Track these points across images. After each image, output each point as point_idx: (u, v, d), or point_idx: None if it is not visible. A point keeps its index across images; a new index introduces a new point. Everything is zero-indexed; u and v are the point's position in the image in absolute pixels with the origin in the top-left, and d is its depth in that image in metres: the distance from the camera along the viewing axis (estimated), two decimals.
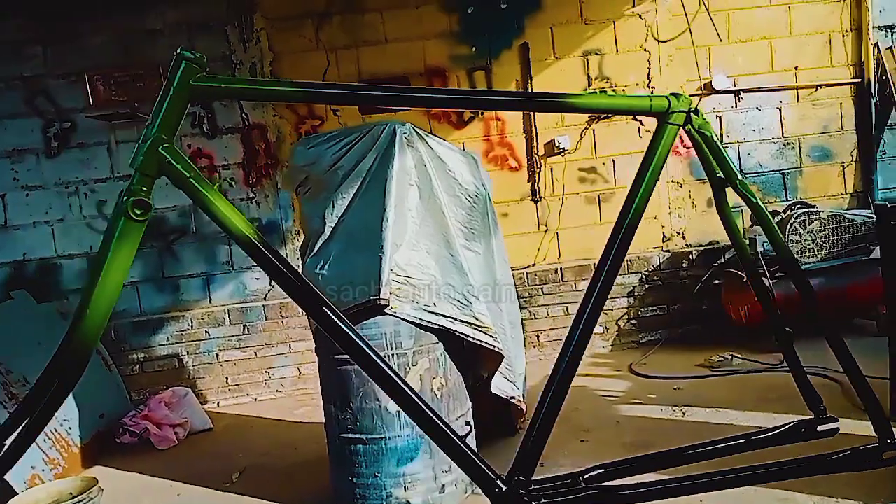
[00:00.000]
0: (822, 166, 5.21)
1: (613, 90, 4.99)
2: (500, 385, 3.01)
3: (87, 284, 1.39)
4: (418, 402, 1.61)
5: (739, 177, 1.82)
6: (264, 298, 4.86)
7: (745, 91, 5.08)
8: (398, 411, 2.69)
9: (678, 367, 4.44)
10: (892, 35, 5.17)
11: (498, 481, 1.66)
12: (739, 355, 4.45)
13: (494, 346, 2.79)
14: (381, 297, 2.50)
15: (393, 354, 2.66)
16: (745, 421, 3.44)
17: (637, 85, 5.00)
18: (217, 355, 4.81)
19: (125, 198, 1.41)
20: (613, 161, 5.04)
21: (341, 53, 4.82)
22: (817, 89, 5.15)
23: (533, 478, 1.68)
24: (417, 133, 2.76)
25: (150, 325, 4.79)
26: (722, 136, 5.09)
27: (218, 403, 4.81)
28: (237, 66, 4.76)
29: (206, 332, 4.81)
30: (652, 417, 3.65)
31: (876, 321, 4.68)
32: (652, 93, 5.00)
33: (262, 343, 4.82)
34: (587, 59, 4.97)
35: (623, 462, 1.87)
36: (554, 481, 1.74)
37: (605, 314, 5.05)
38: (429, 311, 2.67)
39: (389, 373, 1.61)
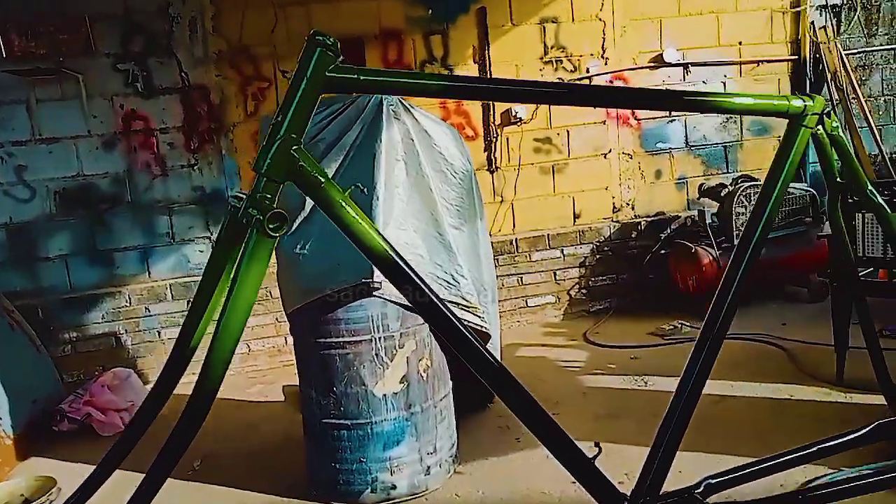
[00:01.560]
0: (761, 140, 5.43)
1: (569, 59, 4.96)
2: None
3: (205, 306, 1.34)
4: (557, 426, 1.55)
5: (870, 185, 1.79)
6: None
7: (692, 64, 5.18)
8: (384, 395, 2.62)
9: (631, 336, 4.57)
10: (826, 14, 5.39)
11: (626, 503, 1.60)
12: (689, 323, 4.63)
13: (482, 327, 2.75)
14: (375, 279, 2.39)
15: (380, 337, 2.57)
16: (704, 389, 3.57)
17: (592, 55, 4.99)
18: (159, 333, 4.52)
19: (253, 210, 1.23)
20: (568, 132, 5.04)
21: (290, 10, 4.51)
22: (759, 65, 5.32)
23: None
24: (404, 105, 2.62)
25: (82, 301, 4.43)
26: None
27: None
28: (175, 20, 4.37)
29: (146, 308, 4.50)
30: (616, 388, 3.75)
31: (807, 289, 4.99)
32: (606, 62, 5.01)
33: None
34: (544, 27, 4.90)
35: (736, 470, 1.84)
36: (677, 496, 1.68)
37: (557, 284, 5.12)
38: None
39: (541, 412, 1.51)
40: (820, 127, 1.68)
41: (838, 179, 1.85)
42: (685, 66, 5.16)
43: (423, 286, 1.40)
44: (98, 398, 3.80)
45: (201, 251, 4.59)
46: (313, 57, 1.25)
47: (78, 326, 4.41)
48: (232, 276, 1.27)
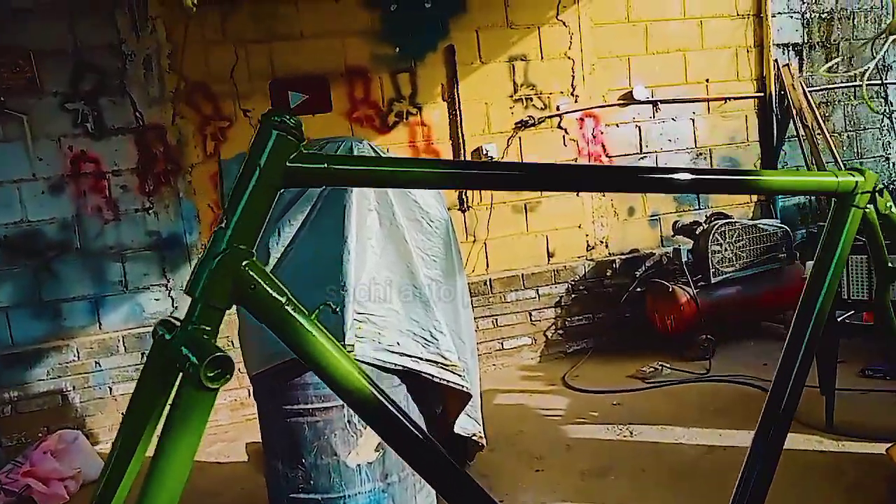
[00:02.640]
0: None
1: (539, 97, 4.88)
2: (463, 424, 2.78)
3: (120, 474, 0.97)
4: None
5: None
6: None
7: (662, 102, 5.16)
8: (359, 465, 2.39)
9: (611, 379, 4.42)
10: (788, 53, 5.46)
11: None
12: (668, 365, 4.51)
13: (462, 387, 2.56)
14: (346, 342, 2.18)
15: None
16: (692, 439, 3.44)
17: (562, 93, 4.93)
18: (110, 388, 4.19)
19: (187, 349, 0.94)
20: None
21: (252, 48, 4.34)
22: (726, 101, 5.34)
23: None
24: (375, 151, 2.45)
25: (25, 357, 4.08)
26: (641, 146, 5.16)
27: None
28: (129, 58, 4.15)
29: (96, 362, 4.17)
30: (600, 439, 3.58)
31: (784, 326, 4.94)
32: (576, 100, 4.95)
33: None
34: (513, 65, 4.82)
35: None
36: None
37: (533, 325, 4.97)
38: (392, 352, 2.39)
39: None
40: (871, 206, 1.51)
41: (889, 265, 1.64)
42: (654, 103, 5.14)
43: (408, 425, 1.16)
44: (39, 467, 3.46)
45: (157, 299, 4.30)
46: (268, 143, 0.99)
47: (20, 385, 4.05)
48: (161, 431, 0.97)
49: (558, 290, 4.98)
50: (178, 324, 1.01)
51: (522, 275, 4.89)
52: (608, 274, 5.08)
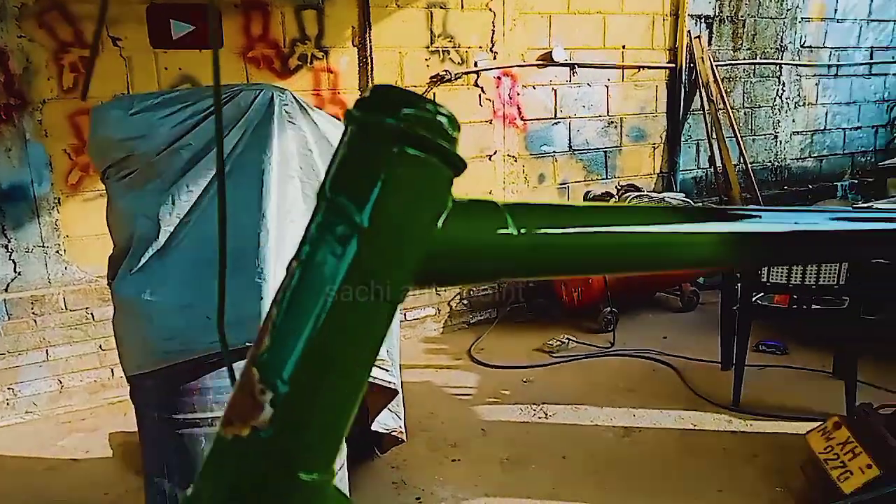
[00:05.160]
0: (638, 146, 5.39)
1: (457, 50, 4.51)
2: (384, 420, 2.47)
3: None
4: None
5: None
6: (5, 290, 3.57)
7: (579, 65, 4.97)
8: None
9: (518, 353, 4.28)
10: (700, 25, 5.45)
11: None
12: (574, 338, 4.44)
13: (389, 383, 2.24)
14: None
15: None
16: (607, 420, 3.37)
17: (480, 48, 4.58)
18: None
19: None
20: None
21: None
22: (640, 70, 5.25)
23: None
24: (301, 104, 2.00)
25: None
26: (556, 110, 4.96)
27: None
28: None
29: None
30: (516, 422, 3.41)
31: (679, 297, 5.04)
32: (495, 57, 4.63)
33: (4, 350, 3.56)
34: (431, 12, 4.39)
35: None
36: None
37: (438, 296, 4.71)
38: None
39: None
40: None
41: None
42: (572, 66, 4.94)
43: None
44: None
45: None
46: (406, 180, 0.47)
47: None
48: None
49: None
50: None
51: None
52: None
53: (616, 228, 0.57)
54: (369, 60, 4.20)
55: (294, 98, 1.98)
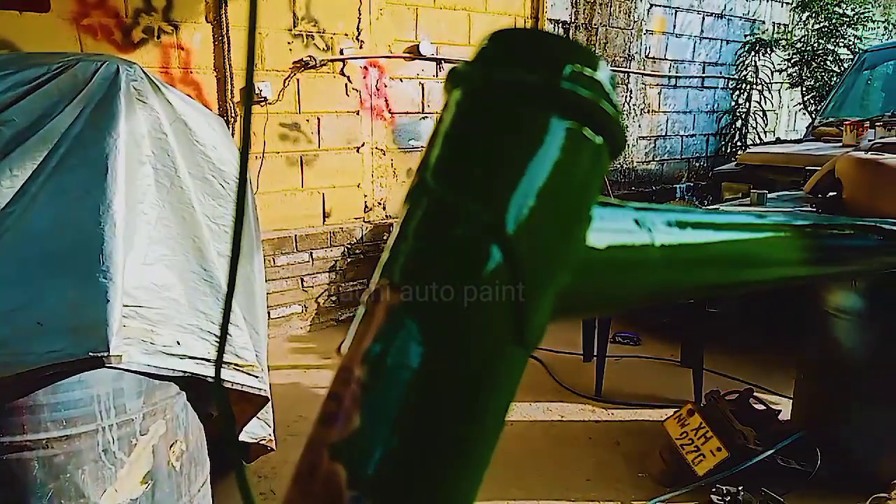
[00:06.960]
0: None
1: (321, 36, 4.31)
2: (252, 429, 2.28)
3: None
4: None
5: None
6: None
7: (446, 60, 4.97)
8: None
9: None
10: (558, 29, 5.67)
11: None
12: None
13: (259, 390, 2.05)
14: (112, 352, 1.53)
15: (111, 424, 1.71)
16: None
17: (346, 35, 4.42)
18: None
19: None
20: (319, 119, 4.41)
21: None
22: None
23: None
24: (152, 80, 1.76)
25: None
26: (423, 105, 4.92)
27: None
28: None
29: None
30: None
31: None
32: (361, 46, 4.50)
33: None
34: None
35: None
36: None
37: (305, 292, 4.50)
38: (169, 355, 1.79)
39: None
40: None
41: None
42: (439, 61, 4.93)
43: None
44: None
45: None
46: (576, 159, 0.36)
47: None
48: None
49: (334, 254, 4.57)
50: None
51: (296, 236, 4.37)
52: (384, 238, 4.81)
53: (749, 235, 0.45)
54: (226, 39, 3.89)
55: (144, 73, 1.73)
